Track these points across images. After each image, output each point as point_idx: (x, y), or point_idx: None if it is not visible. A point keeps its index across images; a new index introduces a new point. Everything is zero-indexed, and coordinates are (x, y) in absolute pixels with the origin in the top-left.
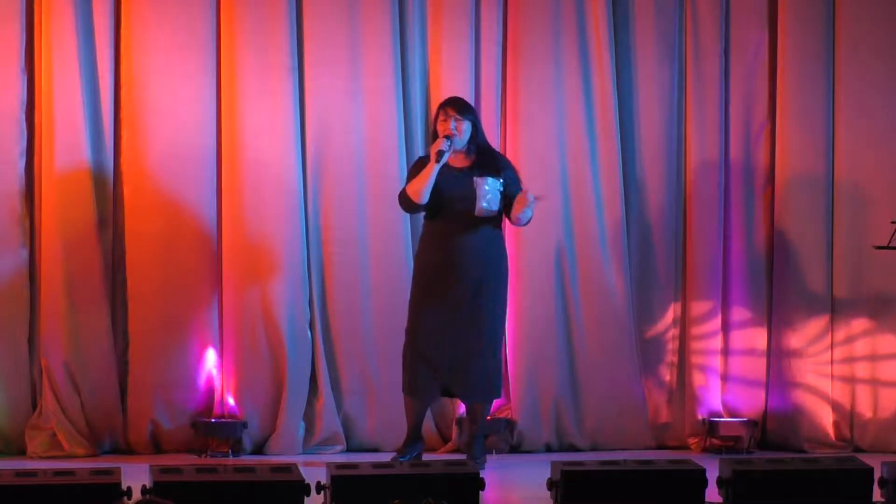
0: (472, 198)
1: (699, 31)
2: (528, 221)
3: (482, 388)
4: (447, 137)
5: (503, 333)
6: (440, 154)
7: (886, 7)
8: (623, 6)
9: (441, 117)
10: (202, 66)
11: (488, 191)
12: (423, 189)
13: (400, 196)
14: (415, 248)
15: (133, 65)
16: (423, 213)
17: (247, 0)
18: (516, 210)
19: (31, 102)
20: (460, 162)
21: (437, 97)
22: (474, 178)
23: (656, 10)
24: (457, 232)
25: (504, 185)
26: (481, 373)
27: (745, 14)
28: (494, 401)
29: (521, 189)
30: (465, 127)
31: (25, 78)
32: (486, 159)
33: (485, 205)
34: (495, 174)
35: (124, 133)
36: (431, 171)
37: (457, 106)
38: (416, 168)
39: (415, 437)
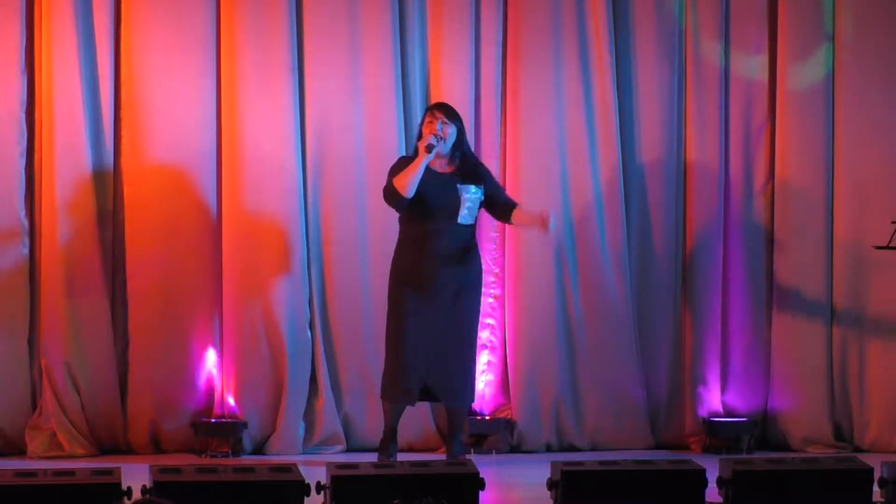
0: (453, 204)
1: (699, 31)
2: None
3: (459, 391)
4: (435, 136)
5: (476, 342)
6: (430, 147)
7: (886, 7)
8: (623, 6)
9: (428, 119)
10: (202, 66)
11: (468, 199)
12: (409, 182)
13: (386, 189)
14: None
15: (133, 65)
16: (398, 217)
17: (247, 0)
18: (523, 222)
19: (31, 102)
20: (443, 167)
21: (438, 97)
22: (458, 186)
23: (656, 10)
24: (438, 237)
25: (486, 191)
26: (458, 378)
27: (745, 14)
28: (470, 405)
29: (506, 195)
30: (451, 131)
31: (25, 78)
32: (469, 167)
33: (465, 212)
34: (477, 183)
35: (124, 133)
36: (419, 165)
37: (445, 110)
38: (398, 166)
39: (393, 436)
